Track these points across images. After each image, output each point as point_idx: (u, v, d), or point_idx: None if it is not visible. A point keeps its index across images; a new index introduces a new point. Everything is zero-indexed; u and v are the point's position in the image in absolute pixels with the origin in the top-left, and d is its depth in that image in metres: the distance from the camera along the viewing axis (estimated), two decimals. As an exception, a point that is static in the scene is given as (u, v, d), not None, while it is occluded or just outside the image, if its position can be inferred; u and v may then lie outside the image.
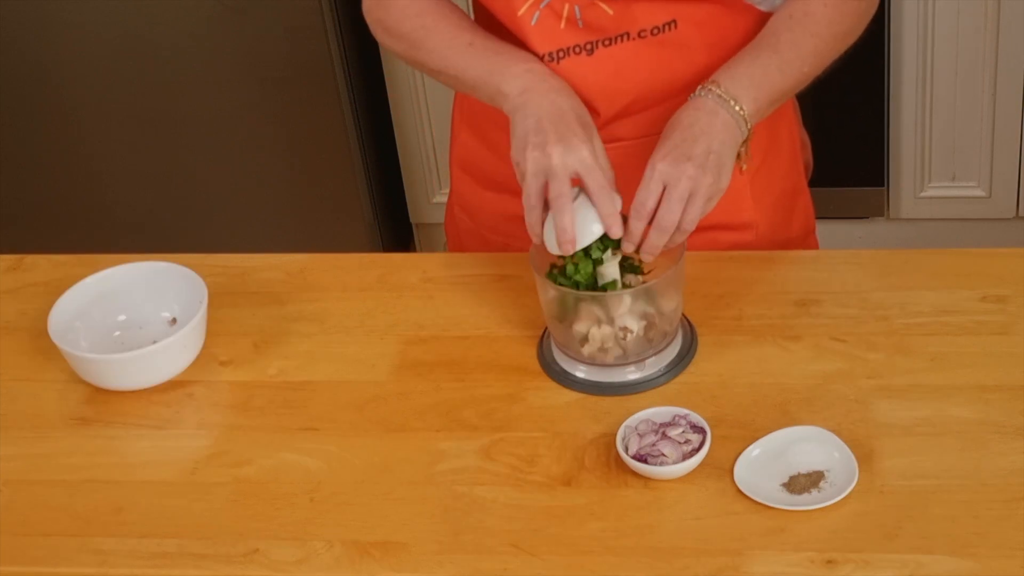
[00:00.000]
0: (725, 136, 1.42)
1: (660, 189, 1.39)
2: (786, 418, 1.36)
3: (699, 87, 1.45)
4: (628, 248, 1.39)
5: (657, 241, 1.39)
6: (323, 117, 2.82)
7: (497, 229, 1.68)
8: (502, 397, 1.43)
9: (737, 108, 1.43)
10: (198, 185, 2.94)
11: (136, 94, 2.83)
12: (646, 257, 1.40)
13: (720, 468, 1.31)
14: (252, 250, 1.69)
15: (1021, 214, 2.87)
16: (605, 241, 1.40)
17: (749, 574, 1.21)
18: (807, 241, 1.73)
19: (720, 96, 1.43)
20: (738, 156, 1.44)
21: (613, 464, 1.33)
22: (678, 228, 1.39)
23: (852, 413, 1.36)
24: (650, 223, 1.39)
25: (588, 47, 1.50)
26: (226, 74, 2.79)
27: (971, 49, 2.70)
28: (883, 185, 2.89)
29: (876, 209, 2.92)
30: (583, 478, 1.32)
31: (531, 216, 1.40)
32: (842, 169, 2.88)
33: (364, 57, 2.87)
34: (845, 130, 2.83)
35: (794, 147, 1.68)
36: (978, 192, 2.86)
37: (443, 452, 1.37)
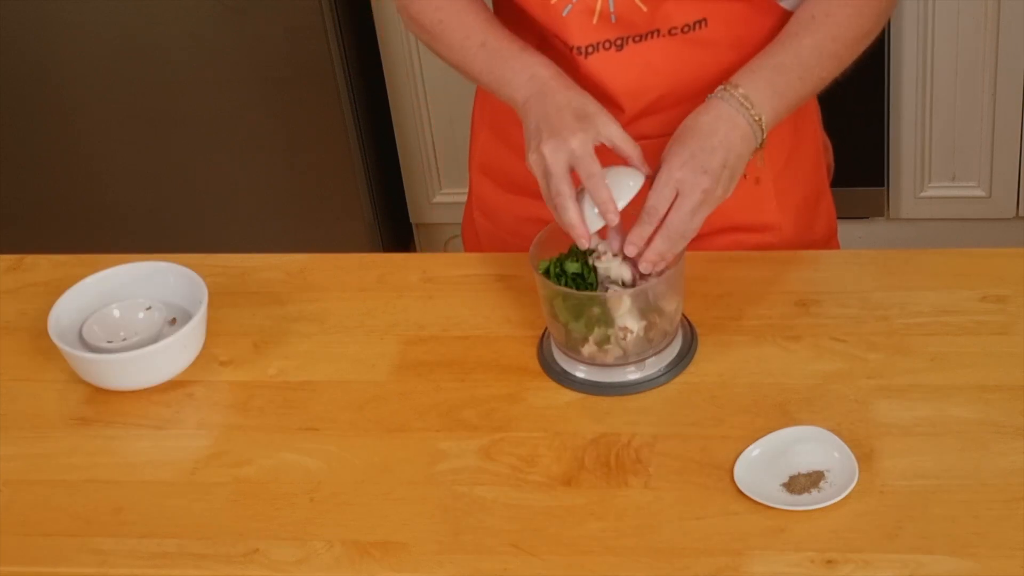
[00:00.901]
0: (742, 149, 1.42)
1: (673, 196, 1.38)
2: (786, 418, 1.36)
3: (719, 88, 1.44)
4: (631, 251, 1.39)
5: (662, 248, 1.38)
6: (323, 117, 2.82)
7: (517, 232, 1.67)
8: (502, 397, 1.43)
9: (755, 115, 1.42)
10: (198, 185, 2.94)
11: (136, 94, 2.83)
12: (644, 267, 1.39)
13: (720, 468, 1.31)
14: (252, 250, 1.69)
15: (1021, 214, 2.87)
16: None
17: (749, 574, 1.21)
18: (830, 243, 1.73)
19: (740, 102, 1.42)
20: (749, 162, 1.44)
21: (613, 464, 1.33)
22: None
23: (852, 413, 1.36)
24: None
25: (618, 43, 1.50)
26: (226, 74, 2.79)
27: (971, 49, 2.71)
28: (883, 185, 2.89)
29: (876, 209, 2.92)
30: (583, 478, 1.32)
31: (567, 216, 1.39)
32: (842, 169, 2.87)
33: (364, 57, 2.87)
34: (845, 130, 2.82)
35: (818, 149, 1.68)
36: (978, 192, 2.86)
37: (443, 452, 1.37)
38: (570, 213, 1.37)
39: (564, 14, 1.49)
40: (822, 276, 1.54)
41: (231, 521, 1.32)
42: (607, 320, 1.40)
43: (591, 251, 1.42)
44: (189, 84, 2.80)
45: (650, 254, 1.38)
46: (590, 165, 1.38)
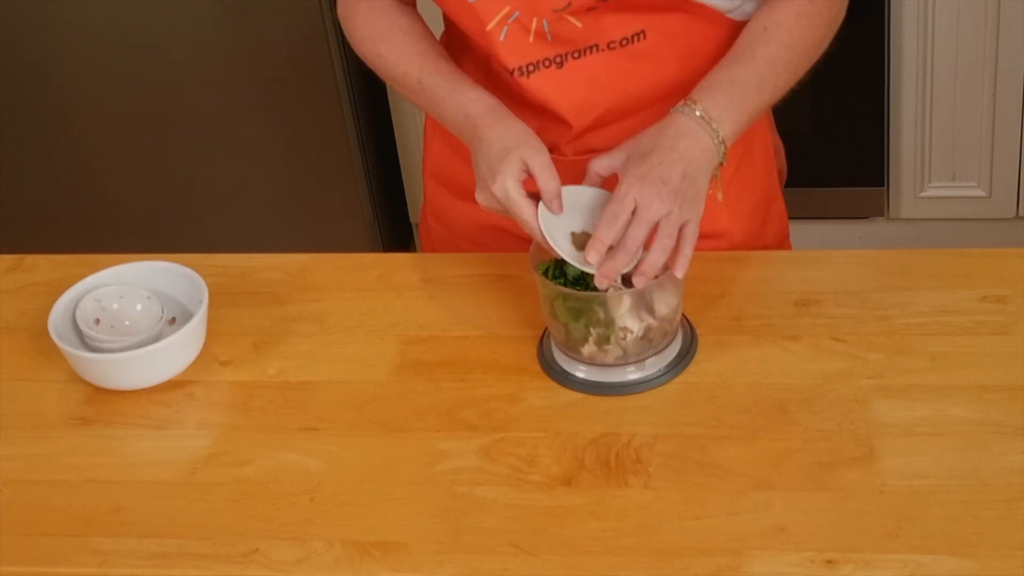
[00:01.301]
0: (703, 163, 1.41)
1: (632, 207, 1.37)
2: (786, 418, 1.36)
3: (680, 103, 1.43)
4: (593, 257, 1.36)
5: (620, 262, 1.36)
6: (323, 117, 2.82)
7: (472, 239, 1.67)
8: (502, 397, 1.43)
9: (717, 131, 1.42)
10: (198, 185, 2.94)
11: (136, 94, 2.83)
12: (599, 282, 1.37)
13: (720, 468, 1.31)
14: (252, 250, 1.69)
15: (1021, 214, 2.87)
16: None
17: (749, 574, 1.21)
18: (782, 247, 1.73)
19: (701, 118, 1.42)
20: (712, 177, 1.44)
21: (613, 464, 1.33)
22: (678, 251, 1.38)
23: (852, 413, 1.36)
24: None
25: (558, 60, 1.50)
26: (226, 74, 2.79)
27: (971, 49, 2.71)
28: (883, 185, 2.89)
29: (876, 209, 2.92)
30: (583, 478, 1.32)
31: (531, 228, 1.41)
32: (842, 169, 2.88)
33: (364, 57, 2.87)
34: (845, 130, 2.83)
35: (767, 155, 1.68)
36: (978, 192, 2.86)
37: (443, 452, 1.37)
38: (536, 234, 1.39)
39: (501, 38, 1.49)
40: (822, 276, 1.54)
41: (231, 521, 1.32)
42: (607, 320, 1.40)
43: None
44: (189, 84, 2.81)
45: (607, 269, 1.36)
46: (513, 201, 1.40)
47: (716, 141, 1.42)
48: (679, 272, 1.38)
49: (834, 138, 2.81)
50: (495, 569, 1.25)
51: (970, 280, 1.50)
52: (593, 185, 1.44)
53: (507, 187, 1.40)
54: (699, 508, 1.28)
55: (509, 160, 1.41)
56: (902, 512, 1.25)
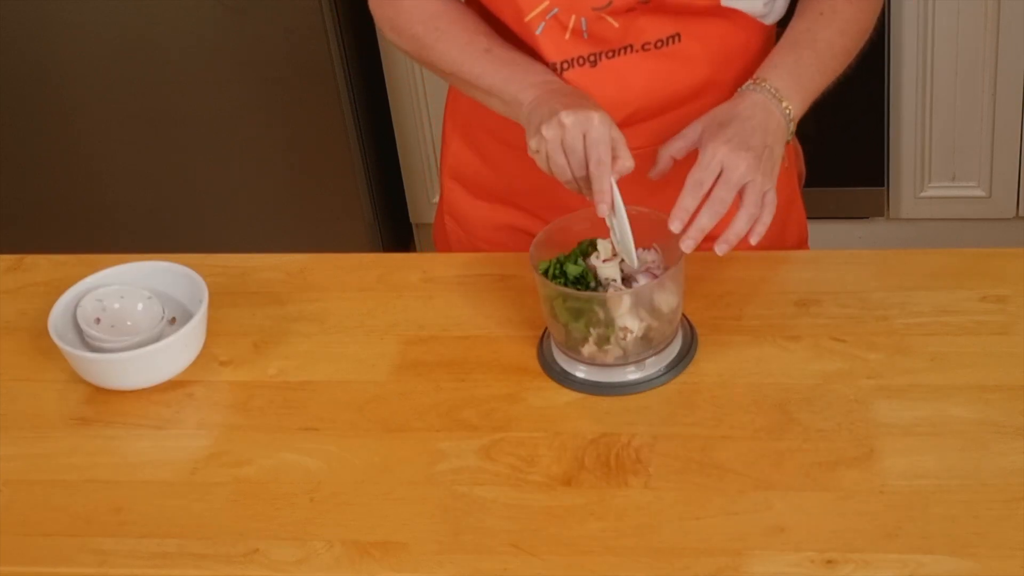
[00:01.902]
0: (779, 134, 1.44)
1: (718, 171, 1.38)
2: (786, 418, 1.36)
3: (748, 82, 1.46)
4: (676, 227, 1.37)
5: (706, 223, 1.37)
6: (323, 117, 2.82)
7: (489, 239, 1.68)
8: (502, 397, 1.43)
9: (786, 108, 1.45)
10: (198, 185, 2.94)
11: (136, 94, 2.83)
12: (687, 244, 1.37)
13: (721, 468, 1.31)
14: (252, 250, 1.69)
15: (1021, 214, 2.87)
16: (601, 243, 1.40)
17: (749, 574, 1.21)
18: (802, 248, 1.73)
19: (772, 94, 1.44)
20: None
21: (613, 464, 1.33)
22: (758, 220, 1.39)
23: (852, 413, 1.36)
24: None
25: (592, 59, 1.51)
26: (226, 74, 2.79)
27: (971, 49, 2.71)
28: (883, 185, 2.89)
29: (876, 209, 2.92)
30: (583, 478, 1.32)
31: (565, 175, 1.40)
32: (842, 169, 2.88)
33: (364, 57, 2.87)
34: (845, 130, 2.83)
35: (789, 157, 1.69)
36: (978, 192, 2.86)
37: (443, 452, 1.37)
38: (602, 182, 1.37)
39: (538, 32, 1.49)
40: (822, 276, 1.54)
41: (231, 521, 1.32)
42: (607, 320, 1.40)
43: (592, 249, 1.42)
44: (189, 84, 2.80)
45: (693, 231, 1.38)
46: (601, 149, 1.37)
47: (787, 118, 1.44)
48: (754, 239, 1.39)
49: (834, 138, 2.81)
50: (495, 569, 1.25)
51: (970, 280, 1.50)
52: (664, 168, 1.46)
53: (605, 121, 1.38)
54: (699, 508, 1.28)
55: (603, 112, 1.39)
56: (902, 512, 1.25)
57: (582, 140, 1.38)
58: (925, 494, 1.26)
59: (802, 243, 1.74)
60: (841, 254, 1.58)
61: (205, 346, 1.52)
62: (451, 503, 1.31)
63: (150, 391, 1.48)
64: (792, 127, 1.46)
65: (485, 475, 1.34)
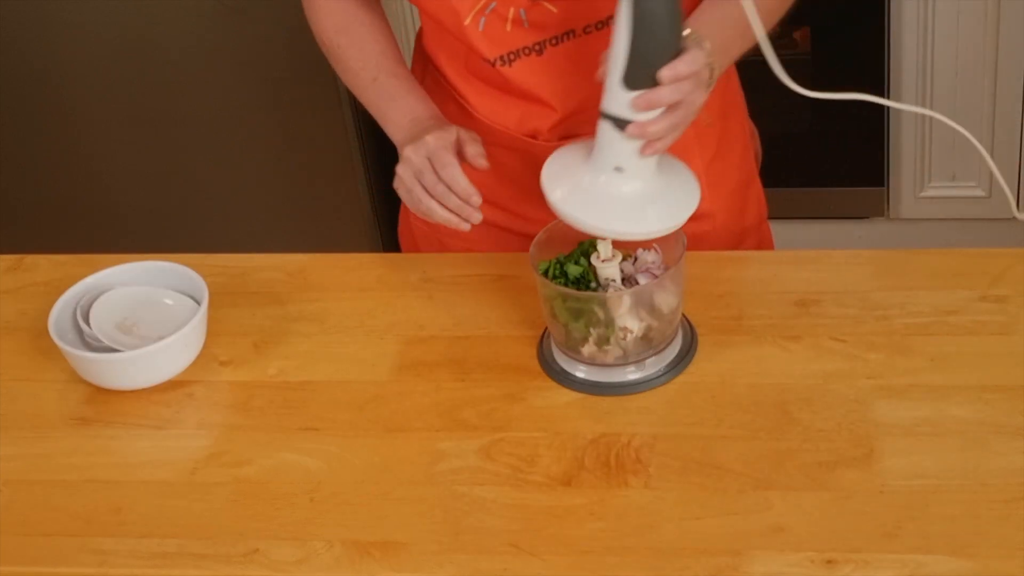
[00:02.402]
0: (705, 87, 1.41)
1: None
2: (786, 418, 1.36)
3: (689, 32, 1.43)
4: (641, 104, 1.34)
5: (668, 124, 1.35)
6: (323, 117, 2.82)
7: (455, 234, 1.67)
8: (502, 397, 1.43)
9: (713, 67, 1.41)
10: (198, 185, 2.94)
11: (136, 94, 2.83)
12: (649, 148, 1.36)
13: (721, 468, 1.31)
14: (252, 250, 1.69)
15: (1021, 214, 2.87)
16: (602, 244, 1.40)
17: (749, 574, 1.21)
18: (761, 228, 1.75)
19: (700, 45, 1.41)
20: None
21: (613, 464, 1.33)
22: (659, 141, 1.37)
23: (852, 413, 1.36)
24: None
25: (537, 47, 1.52)
26: (226, 74, 2.79)
27: (971, 49, 2.71)
28: (883, 185, 2.89)
29: (876, 209, 2.92)
30: (583, 478, 1.32)
31: (434, 215, 1.45)
32: (842, 169, 2.88)
33: (364, 57, 2.86)
34: (845, 130, 2.83)
35: (745, 137, 1.71)
36: (978, 192, 2.86)
37: (443, 452, 1.37)
38: (436, 212, 1.44)
39: (480, 29, 1.50)
40: (822, 276, 1.54)
41: (231, 521, 1.32)
42: (607, 320, 1.40)
43: (592, 250, 1.42)
44: (189, 84, 2.80)
45: (656, 127, 1.35)
46: (443, 156, 1.44)
47: (712, 75, 1.42)
48: (649, 150, 1.37)
49: (834, 138, 2.81)
50: (495, 569, 1.25)
51: (970, 280, 1.50)
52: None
53: (442, 137, 1.45)
54: (699, 508, 1.28)
55: (447, 128, 1.47)
56: (902, 512, 1.25)
57: (428, 162, 1.45)
58: (925, 494, 1.26)
59: (762, 220, 1.76)
60: (841, 254, 1.58)
61: (205, 346, 1.52)
62: (451, 503, 1.31)
63: (150, 391, 1.48)
64: (712, 84, 1.42)
65: (485, 475, 1.34)
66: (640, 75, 1.33)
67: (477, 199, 1.43)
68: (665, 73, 1.33)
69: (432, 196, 1.45)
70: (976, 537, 1.22)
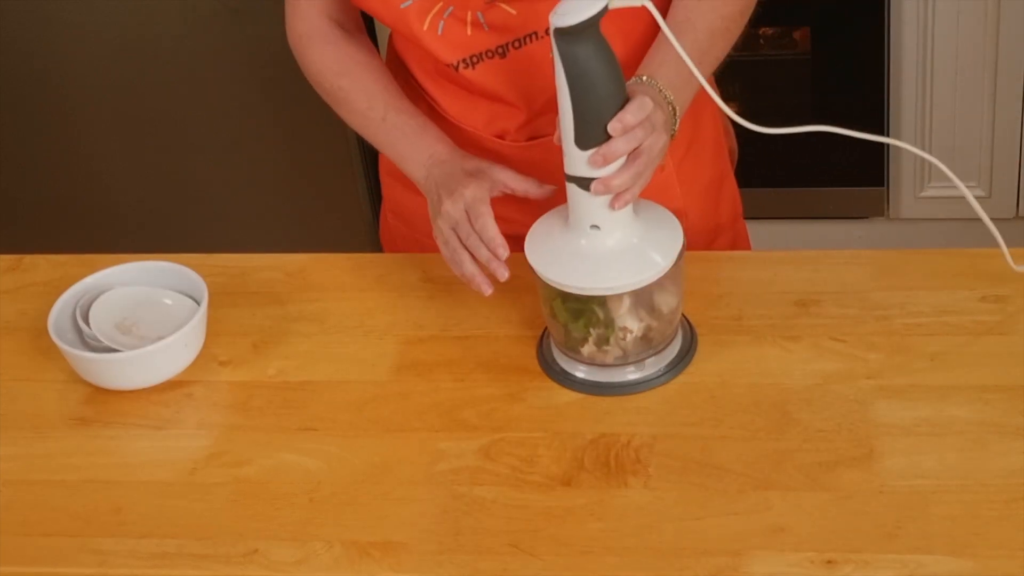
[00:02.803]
0: (666, 127, 1.41)
1: (648, 121, 1.36)
2: (786, 418, 1.36)
3: (634, 77, 1.43)
4: (598, 161, 1.33)
5: (633, 175, 1.35)
6: (323, 117, 2.81)
7: (431, 234, 1.67)
8: (502, 397, 1.43)
9: (672, 106, 1.42)
10: (198, 185, 2.94)
11: (136, 94, 2.83)
12: (619, 201, 1.36)
13: (720, 468, 1.31)
14: (252, 250, 1.69)
15: (1021, 214, 2.87)
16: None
17: (749, 574, 1.21)
18: (736, 225, 1.75)
19: (660, 90, 1.41)
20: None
21: (613, 464, 1.33)
22: (628, 191, 1.37)
23: (852, 413, 1.36)
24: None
25: (500, 50, 1.52)
26: (226, 74, 2.79)
27: (971, 49, 2.70)
28: (883, 185, 2.89)
29: (876, 209, 2.92)
30: (583, 478, 1.32)
31: (463, 268, 1.44)
32: (842, 169, 2.88)
33: (364, 57, 2.86)
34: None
35: (717, 133, 1.70)
36: (978, 192, 2.86)
37: (443, 452, 1.37)
38: (466, 265, 1.43)
39: (439, 33, 1.50)
40: (822, 276, 1.54)
41: (231, 521, 1.32)
42: (607, 320, 1.40)
43: None
44: (189, 84, 2.80)
45: (619, 179, 1.34)
46: (479, 207, 1.42)
47: (671, 115, 1.42)
48: (619, 204, 1.37)
49: (834, 138, 2.81)
50: (495, 569, 1.24)
51: (970, 280, 1.50)
52: None
53: (480, 189, 1.43)
54: (699, 508, 1.28)
55: (481, 176, 1.45)
56: (902, 512, 1.25)
57: (465, 214, 1.43)
58: (925, 494, 1.26)
59: (736, 217, 1.75)
60: (841, 254, 1.58)
61: (205, 346, 1.52)
62: (451, 503, 1.31)
63: (150, 391, 1.48)
64: (676, 122, 1.43)
65: (485, 475, 1.34)
66: (590, 133, 1.33)
67: (504, 251, 1.41)
68: (614, 126, 1.33)
69: (465, 248, 1.45)
70: (976, 537, 1.22)
